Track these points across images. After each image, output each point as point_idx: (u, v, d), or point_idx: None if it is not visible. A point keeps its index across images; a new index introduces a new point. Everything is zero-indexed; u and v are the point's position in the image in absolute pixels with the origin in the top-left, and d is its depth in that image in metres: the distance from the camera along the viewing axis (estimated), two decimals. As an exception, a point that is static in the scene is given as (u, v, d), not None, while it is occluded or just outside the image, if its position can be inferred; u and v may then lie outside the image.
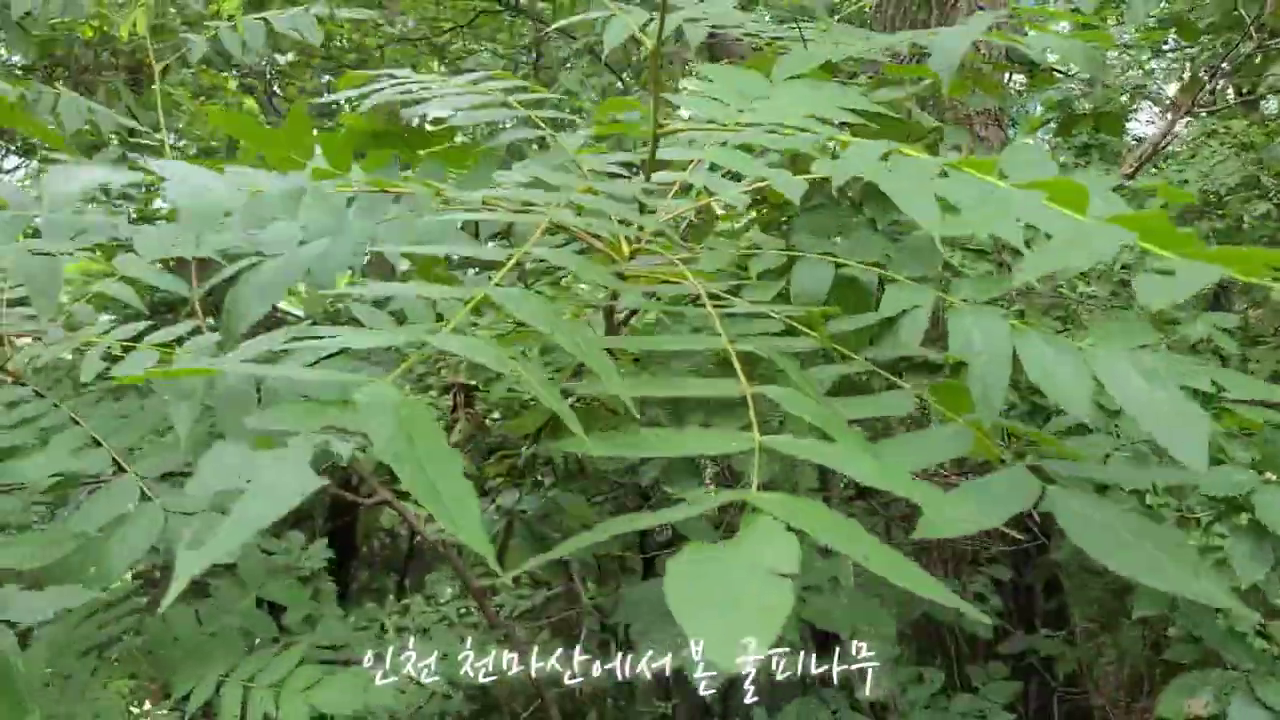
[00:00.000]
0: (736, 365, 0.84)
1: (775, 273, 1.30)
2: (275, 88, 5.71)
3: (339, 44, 5.40)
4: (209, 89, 5.58)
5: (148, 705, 1.77)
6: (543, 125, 1.40)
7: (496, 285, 0.80)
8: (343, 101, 6.73)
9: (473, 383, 2.57)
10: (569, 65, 4.79)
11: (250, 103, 6.55)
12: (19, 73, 4.35)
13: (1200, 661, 1.76)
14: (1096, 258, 0.74)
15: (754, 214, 1.67)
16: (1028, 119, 2.13)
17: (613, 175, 1.50)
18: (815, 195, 1.52)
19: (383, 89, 1.43)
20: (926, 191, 0.87)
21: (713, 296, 1.06)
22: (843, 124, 1.30)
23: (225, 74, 5.62)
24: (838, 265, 1.27)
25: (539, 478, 2.09)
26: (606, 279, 1.04)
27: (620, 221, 1.20)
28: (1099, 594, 2.82)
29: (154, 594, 2.16)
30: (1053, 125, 2.48)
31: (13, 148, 5.05)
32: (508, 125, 1.43)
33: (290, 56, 5.51)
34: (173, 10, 4.27)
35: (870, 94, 1.65)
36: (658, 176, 1.41)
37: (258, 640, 1.96)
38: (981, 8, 2.63)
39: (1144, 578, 0.80)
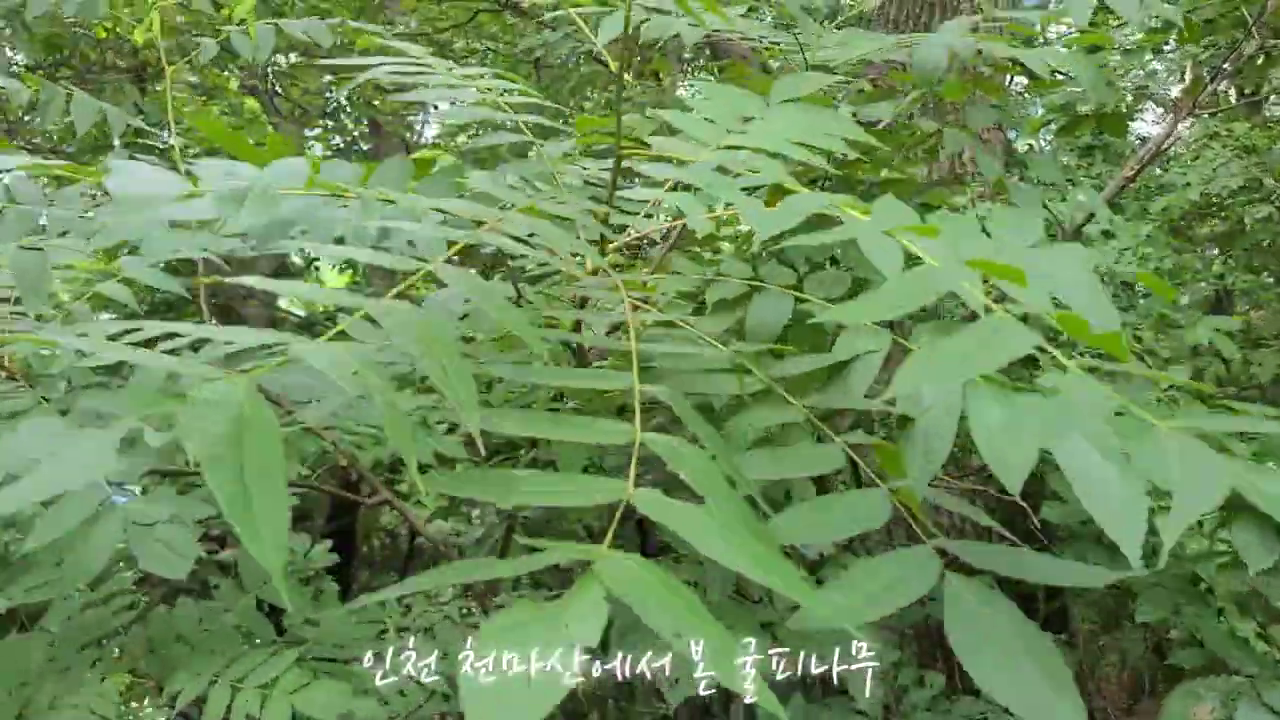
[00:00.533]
0: (636, 410, 0.79)
1: (733, 303, 1.25)
2: (277, 88, 5.71)
3: (341, 44, 5.38)
4: (211, 89, 5.59)
5: (138, 703, 1.77)
6: (527, 130, 1.39)
7: (393, 298, 0.78)
8: (343, 100, 6.75)
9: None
10: (571, 62, 4.79)
11: (252, 103, 6.56)
12: (21, 70, 4.35)
13: (1205, 667, 1.75)
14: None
15: (740, 238, 1.66)
16: (1029, 121, 2.12)
17: (589, 184, 1.49)
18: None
19: (377, 66, 1.41)
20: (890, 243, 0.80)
21: (664, 324, 1.04)
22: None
23: (227, 74, 5.63)
24: (798, 300, 1.22)
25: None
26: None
27: (586, 239, 1.19)
28: (1101, 597, 2.81)
29: (153, 593, 2.16)
30: (1054, 126, 2.47)
31: (22, 144, 5.04)
32: (506, 127, 1.42)
33: (293, 58, 5.52)
34: (181, 17, 4.27)
35: (872, 104, 1.65)
36: (639, 194, 1.40)
37: (257, 641, 1.96)
38: (981, 9, 2.62)
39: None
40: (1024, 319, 0.68)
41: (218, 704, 1.65)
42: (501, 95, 1.37)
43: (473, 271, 0.81)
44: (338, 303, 0.73)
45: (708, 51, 4.50)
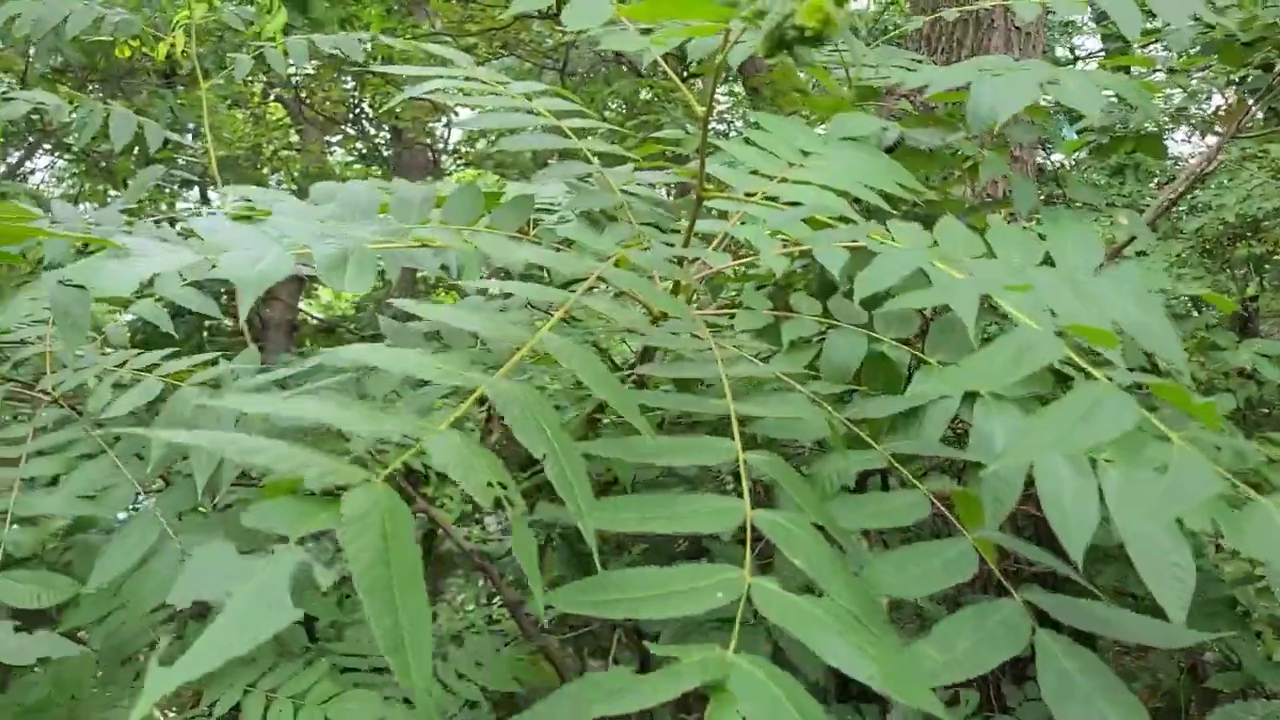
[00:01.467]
0: (745, 486, 0.78)
1: (808, 341, 1.24)
2: (302, 94, 5.74)
3: (366, 51, 5.41)
4: (237, 94, 5.62)
5: (176, 713, 1.78)
6: (593, 158, 1.39)
7: (548, 332, 0.80)
8: (366, 106, 6.77)
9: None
10: (597, 71, 4.80)
11: (276, 109, 6.60)
12: (52, 77, 4.38)
13: (1241, 691, 1.75)
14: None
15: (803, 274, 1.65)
16: (1067, 142, 2.12)
17: (655, 203, 1.49)
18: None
19: (434, 79, 1.40)
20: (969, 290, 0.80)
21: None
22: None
23: (252, 80, 5.66)
24: (871, 339, 1.21)
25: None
26: (644, 327, 1.03)
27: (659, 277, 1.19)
28: (1107, 582, 2.80)
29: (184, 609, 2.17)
30: (1079, 140, 2.46)
31: (47, 146, 5.08)
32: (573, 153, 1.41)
33: (316, 64, 5.54)
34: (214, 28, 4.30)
35: (915, 130, 1.65)
36: (704, 227, 1.40)
37: (291, 649, 1.97)
38: (1018, 27, 2.63)
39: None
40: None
41: (252, 713, 1.66)
42: (563, 118, 1.37)
43: (574, 342, 0.81)
44: (456, 382, 0.73)
45: (736, 70, 4.51)
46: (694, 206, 1.16)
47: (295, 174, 5.92)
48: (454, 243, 1.09)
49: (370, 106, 6.36)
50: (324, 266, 0.94)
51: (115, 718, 1.68)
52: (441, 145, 6.75)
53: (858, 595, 0.69)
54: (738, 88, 5.58)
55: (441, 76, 1.41)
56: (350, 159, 7.23)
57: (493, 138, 5.52)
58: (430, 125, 6.10)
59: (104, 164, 4.99)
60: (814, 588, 0.69)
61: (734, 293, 2.13)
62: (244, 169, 5.31)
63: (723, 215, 1.25)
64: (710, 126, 1.53)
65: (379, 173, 6.75)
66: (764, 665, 0.61)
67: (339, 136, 6.99)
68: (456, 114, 5.48)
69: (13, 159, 4.90)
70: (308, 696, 1.67)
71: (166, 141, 2.35)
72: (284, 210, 1.20)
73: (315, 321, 6.89)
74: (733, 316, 1.33)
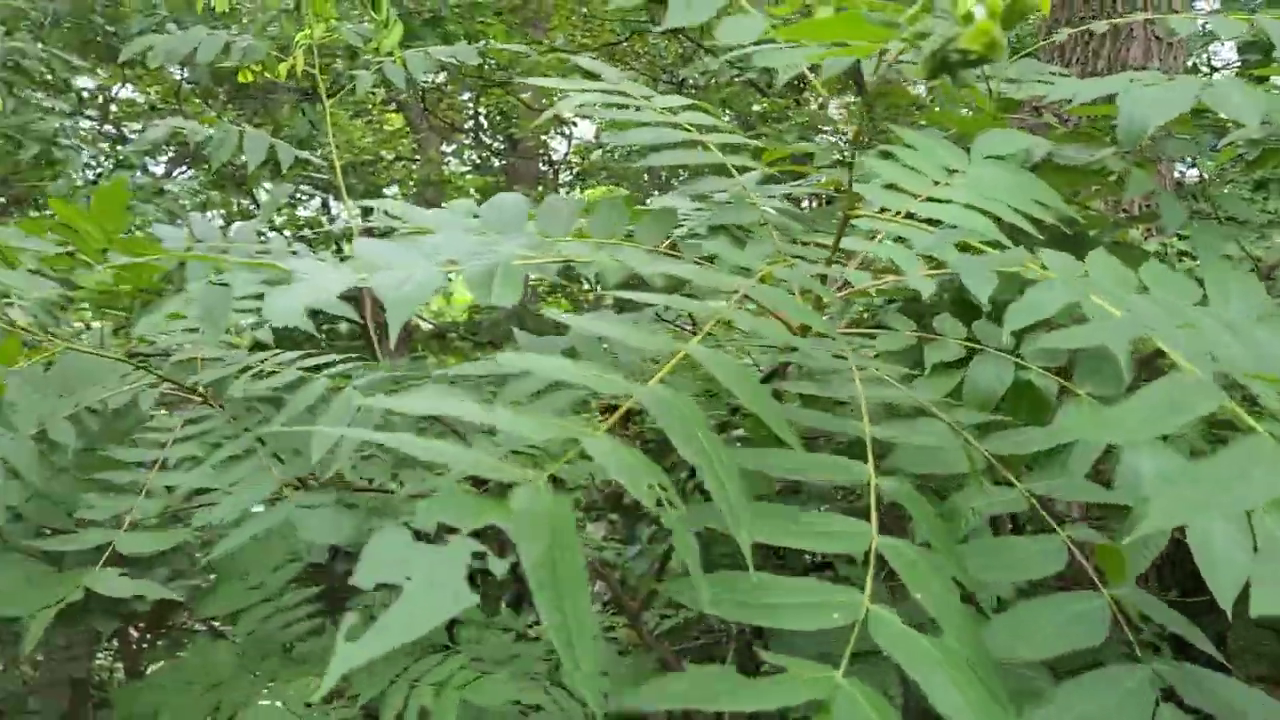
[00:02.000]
0: (873, 509, 0.76)
1: (952, 366, 1.19)
2: (425, 105, 5.90)
3: (488, 64, 5.56)
4: (359, 106, 5.81)
5: (327, 704, 1.85)
6: (735, 172, 1.39)
7: (698, 344, 0.81)
8: (483, 115, 6.94)
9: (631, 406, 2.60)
10: (713, 84, 4.83)
11: (397, 120, 6.80)
12: (202, 94, 4.60)
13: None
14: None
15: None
16: (1220, 152, 2.05)
17: (792, 216, 1.49)
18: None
19: (587, 92, 1.42)
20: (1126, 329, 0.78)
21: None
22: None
23: (374, 90, 5.84)
24: (1018, 366, 1.16)
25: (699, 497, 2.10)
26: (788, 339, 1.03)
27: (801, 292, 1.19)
28: (1272, 650, 2.69)
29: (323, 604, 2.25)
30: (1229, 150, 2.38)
31: (187, 160, 5.32)
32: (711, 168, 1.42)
33: (441, 76, 5.69)
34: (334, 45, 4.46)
35: (1066, 143, 1.61)
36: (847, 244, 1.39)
37: (430, 645, 2.03)
38: (1158, 37, 2.56)
39: None
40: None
41: (395, 701, 1.72)
42: (707, 134, 1.38)
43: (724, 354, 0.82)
44: (614, 390, 0.75)
45: (852, 81, 4.48)
46: (840, 224, 1.16)
47: (413, 182, 6.08)
48: (599, 257, 1.11)
49: (485, 117, 6.51)
50: (472, 282, 0.97)
51: (258, 704, 1.74)
52: (554, 157, 6.85)
53: (976, 644, 0.68)
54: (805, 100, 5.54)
55: (589, 90, 1.44)
56: (465, 169, 7.40)
57: (608, 150, 5.59)
58: (545, 137, 6.21)
59: (236, 175, 5.20)
60: (932, 626, 0.68)
61: (860, 309, 2.11)
62: (366, 177, 5.48)
63: (868, 234, 1.24)
64: (832, 139, 1.53)
65: (495, 181, 6.88)
66: (871, 694, 0.60)
67: (453, 146, 7.17)
68: (575, 125, 5.58)
69: (158, 169, 5.14)
70: (448, 684, 1.73)
71: (300, 154, 2.45)
72: (443, 224, 1.24)
73: (428, 328, 7.05)
74: (869, 335, 1.32)
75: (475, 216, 1.36)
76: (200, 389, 1.79)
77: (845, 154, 1.91)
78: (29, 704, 2.92)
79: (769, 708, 0.57)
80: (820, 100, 4.53)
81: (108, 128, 4.77)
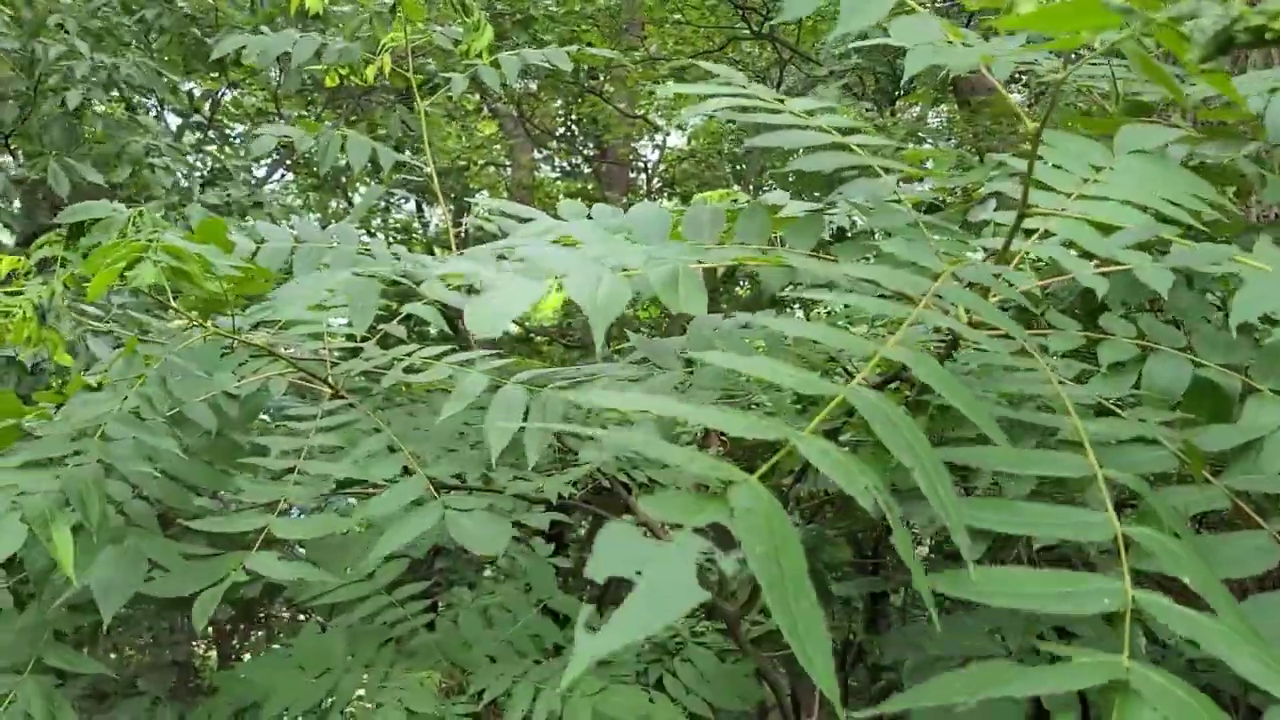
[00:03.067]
0: (1106, 498, 0.76)
1: (1128, 365, 1.18)
2: (519, 111, 5.97)
3: (582, 69, 5.60)
4: (453, 109, 5.89)
5: (447, 698, 1.86)
6: (883, 173, 1.37)
7: (894, 346, 0.79)
8: (573, 122, 6.99)
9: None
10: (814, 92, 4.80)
11: (491, 127, 6.88)
12: (300, 96, 4.70)
13: None
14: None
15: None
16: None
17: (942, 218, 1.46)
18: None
19: (719, 96, 1.41)
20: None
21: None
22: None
23: (467, 95, 5.92)
24: (1196, 364, 1.14)
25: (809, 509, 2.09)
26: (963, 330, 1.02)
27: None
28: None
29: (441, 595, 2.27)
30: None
31: (286, 164, 5.45)
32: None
33: (535, 83, 5.76)
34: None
35: (1204, 144, 1.57)
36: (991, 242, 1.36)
37: (544, 644, 2.05)
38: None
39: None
40: None
41: (521, 702, 1.72)
42: (847, 135, 1.37)
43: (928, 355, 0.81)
44: (819, 391, 0.74)
45: (951, 87, 4.44)
46: (1016, 221, 1.14)
47: (504, 188, 6.15)
48: (768, 262, 1.11)
49: (576, 124, 6.55)
50: (660, 286, 0.97)
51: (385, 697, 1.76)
52: (644, 163, 6.88)
53: (1244, 619, 0.67)
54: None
55: (721, 94, 1.44)
56: (554, 174, 7.46)
57: (700, 159, 5.59)
58: (635, 144, 6.24)
59: (335, 178, 5.31)
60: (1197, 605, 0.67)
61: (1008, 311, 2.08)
62: (458, 182, 5.55)
63: (1027, 232, 1.22)
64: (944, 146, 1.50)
65: (587, 187, 6.93)
66: (1161, 673, 0.59)
67: (544, 153, 7.23)
68: (667, 134, 5.59)
69: (260, 172, 5.28)
70: (575, 689, 1.72)
71: (401, 159, 2.48)
72: (588, 233, 1.24)
73: (513, 332, 7.12)
74: (1040, 335, 1.29)
75: (583, 221, 1.37)
76: (330, 380, 1.83)
77: (1017, 151, 1.87)
78: (137, 685, 3.02)
79: (1062, 690, 0.57)
80: (919, 109, 4.48)
81: (211, 132, 4.91)
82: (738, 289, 5.96)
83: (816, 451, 0.67)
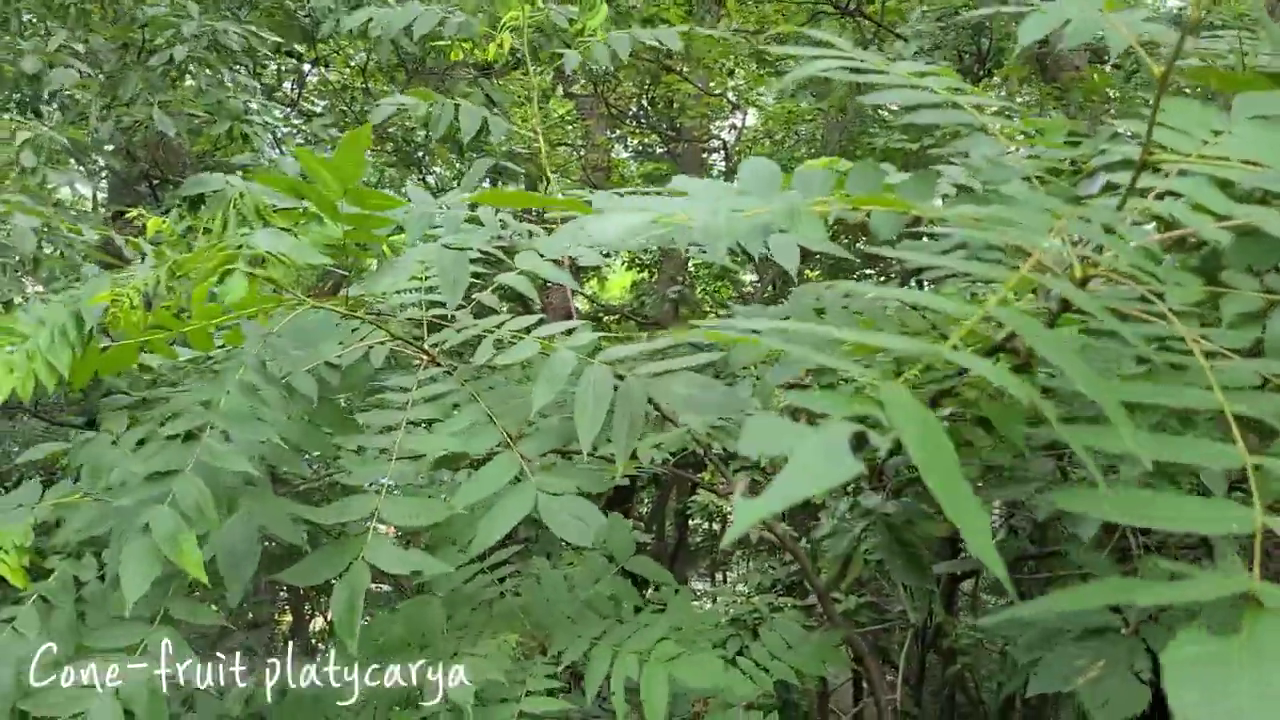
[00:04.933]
0: (1235, 429, 0.77)
1: (1250, 319, 1.18)
2: (598, 91, 6.00)
3: (661, 50, 5.59)
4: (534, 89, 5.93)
5: (527, 659, 1.90)
6: (998, 135, 1.37)
7: (1001, 306, 0.80)
8: (647, 103, 7.00)
9: (810, 384, 2.60)
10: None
11: (558, 104, 6.91)
12: (388, 71, 4.76)
13: None
14: None
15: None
16: None
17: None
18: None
19: (826, 59, 1.42)
20: None
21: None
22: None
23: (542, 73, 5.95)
24: None
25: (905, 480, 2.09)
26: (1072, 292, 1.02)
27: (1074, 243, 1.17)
28: None
29: (524, 564, 2.31)
30: None
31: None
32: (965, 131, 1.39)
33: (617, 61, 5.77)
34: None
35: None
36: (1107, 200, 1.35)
37: (623, 606, 2.07)
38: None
39: None
40: None
41: (600, 665, 1.75)
42: (954, 93, 1.37)
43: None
44: (920, 353, 0.75)
45: (1036, 66, 4.36)
46: (1136, 170, 1.13)
47: (580, 167, 6.19)
48: (889, 203, 1.11)
49: (651, 105, 6.56)
50: (781, 218, 0.99)
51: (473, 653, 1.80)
52: (721, 144, 6.86)
53: None
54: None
55: (828, 56, 1.44)
56: (628, 155, 7.49)
57: (778, 137, 5.58)
58: (711, 125, 6.24)
59: (415, 153, 5.38)
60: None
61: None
62: (534, 162, 5.59)
63: (1140, 192, 1.22)
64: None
65: (661, 168, 6.94)
66: None
67: (617, 134, 7.25)
68: (744, 114, 5.58)
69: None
70: (651, 654, 1.74)
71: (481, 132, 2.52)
72: (698, 189, 1.26)
73: (582, 309, 7.16)
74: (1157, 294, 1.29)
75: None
76: (427, 349, 1.87)
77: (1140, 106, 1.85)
78: (235, 639, 3.14)
79: (1205, 599, 0.58)
80: (1007, 85, 4.41)
81: (299, 105, 5.02)
82: (810, 272, 5.95)
83: (988, 368, 0.69)
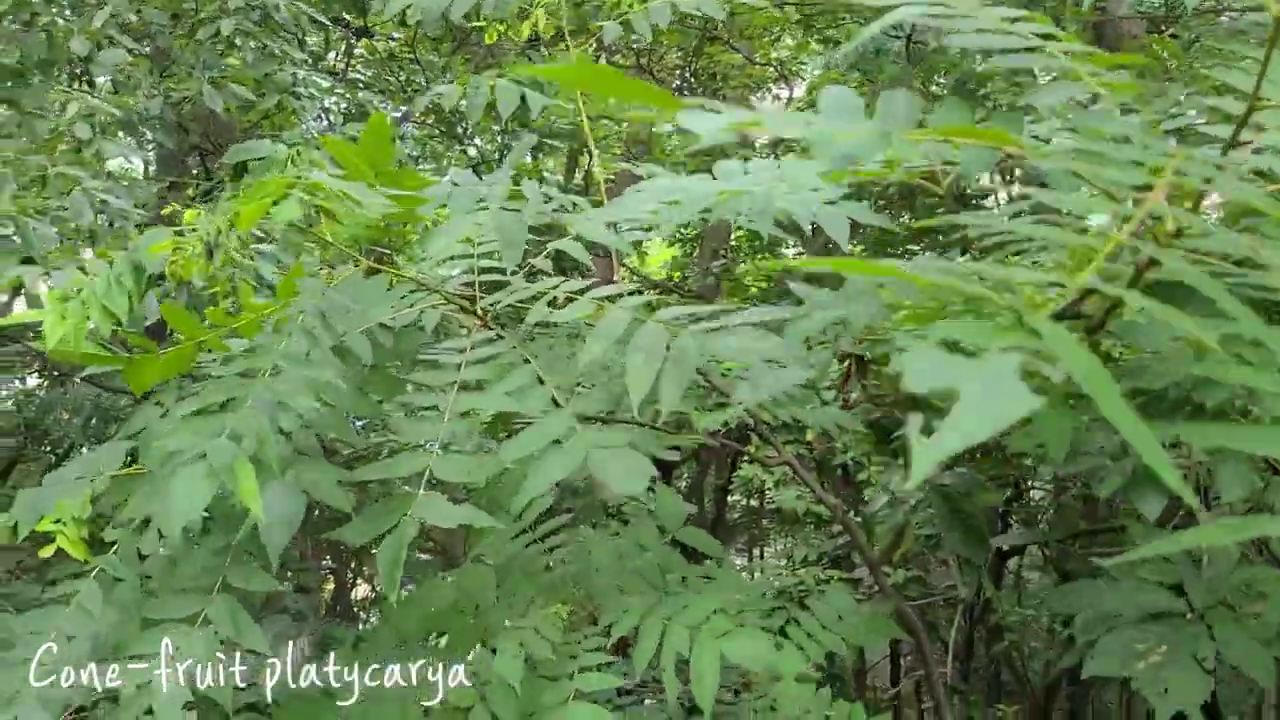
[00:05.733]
0: None
1: None
2: (640, 63, 5.96)
3: (702, 20, 5.55)
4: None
5: (577, 631, 1.89)
6: (1088, 79, 1.32)
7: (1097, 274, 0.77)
8: (695, 75, 6.93)
9: (865, 354, 2.57)
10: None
11: (600, 67, 6.85)
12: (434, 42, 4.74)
13: None
14: None
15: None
16: None
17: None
18: None
19: (912, 5, 1.38)
20: None
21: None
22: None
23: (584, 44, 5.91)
24: None
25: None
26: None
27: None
28: None
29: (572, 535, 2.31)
30: None
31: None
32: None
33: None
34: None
35: None
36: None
37: (669, 577, 2.06)
38: None
39: None
40: None
41: (649, 640, 1.73)
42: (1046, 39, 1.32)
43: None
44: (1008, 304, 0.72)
45: (1092, 34, 4.26)
46: (1235, 129, 1.09)
47: (621, 140, 6.15)
48: (985, 136, 1.07)
49: (693, 75, 6.51)
50: (865, 149, 0.95)
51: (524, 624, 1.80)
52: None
53: None
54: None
55: (913, 3, 1.40)
56: (669, 129, 7.42)
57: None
58: (754, 97, 6.17)
59: (456, 127, 5.37)
60: None
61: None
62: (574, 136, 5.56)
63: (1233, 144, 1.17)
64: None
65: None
66: None
67: (659, 106, 7.16)
68: (792, 86, 5.50)
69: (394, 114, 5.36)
70: (702, 629, 1.72)
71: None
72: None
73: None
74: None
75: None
76: (480, 312, 1.87)
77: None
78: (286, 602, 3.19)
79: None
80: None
81: (345, 75, 5.03)
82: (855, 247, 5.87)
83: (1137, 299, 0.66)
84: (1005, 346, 0.56)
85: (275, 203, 1.44)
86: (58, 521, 1.62)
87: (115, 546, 1.74)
